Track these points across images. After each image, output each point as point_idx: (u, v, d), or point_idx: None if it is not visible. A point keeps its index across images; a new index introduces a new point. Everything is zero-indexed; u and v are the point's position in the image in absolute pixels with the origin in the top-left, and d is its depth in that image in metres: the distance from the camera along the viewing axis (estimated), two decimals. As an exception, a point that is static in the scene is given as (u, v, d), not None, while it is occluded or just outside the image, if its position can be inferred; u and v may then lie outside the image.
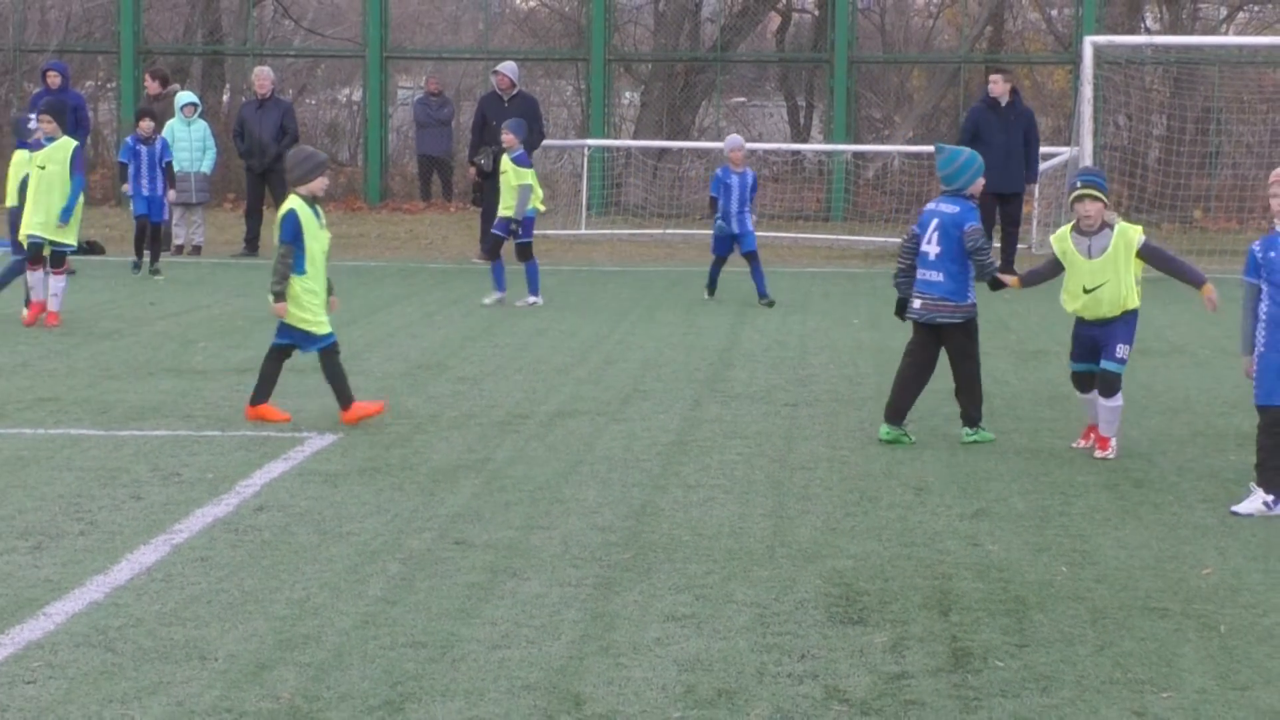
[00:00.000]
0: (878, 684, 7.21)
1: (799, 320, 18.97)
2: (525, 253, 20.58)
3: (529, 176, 20.53)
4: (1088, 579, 8.88)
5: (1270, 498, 10.33)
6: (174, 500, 10.37)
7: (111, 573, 8.76)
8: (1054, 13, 37.49)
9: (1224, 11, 36.66)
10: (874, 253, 27.81)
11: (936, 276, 12.38)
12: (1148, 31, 35.26)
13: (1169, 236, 25.96)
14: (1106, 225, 11.89)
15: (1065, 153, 28.32)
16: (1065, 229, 12.20)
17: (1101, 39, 28.14)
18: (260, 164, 25.70)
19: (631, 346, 17.26)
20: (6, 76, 34.36)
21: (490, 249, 21.15)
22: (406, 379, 15.03)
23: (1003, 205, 24.09)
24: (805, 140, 36.15)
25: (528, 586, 8.61)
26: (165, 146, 23.53)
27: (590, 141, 32.60)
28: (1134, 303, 11.95)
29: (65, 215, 17.65)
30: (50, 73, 27.95)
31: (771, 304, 20.43)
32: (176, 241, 25.84)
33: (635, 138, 34.73)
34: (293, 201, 12.94)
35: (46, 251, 17.60)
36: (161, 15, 36.74)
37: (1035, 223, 29.30)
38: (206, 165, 25.56)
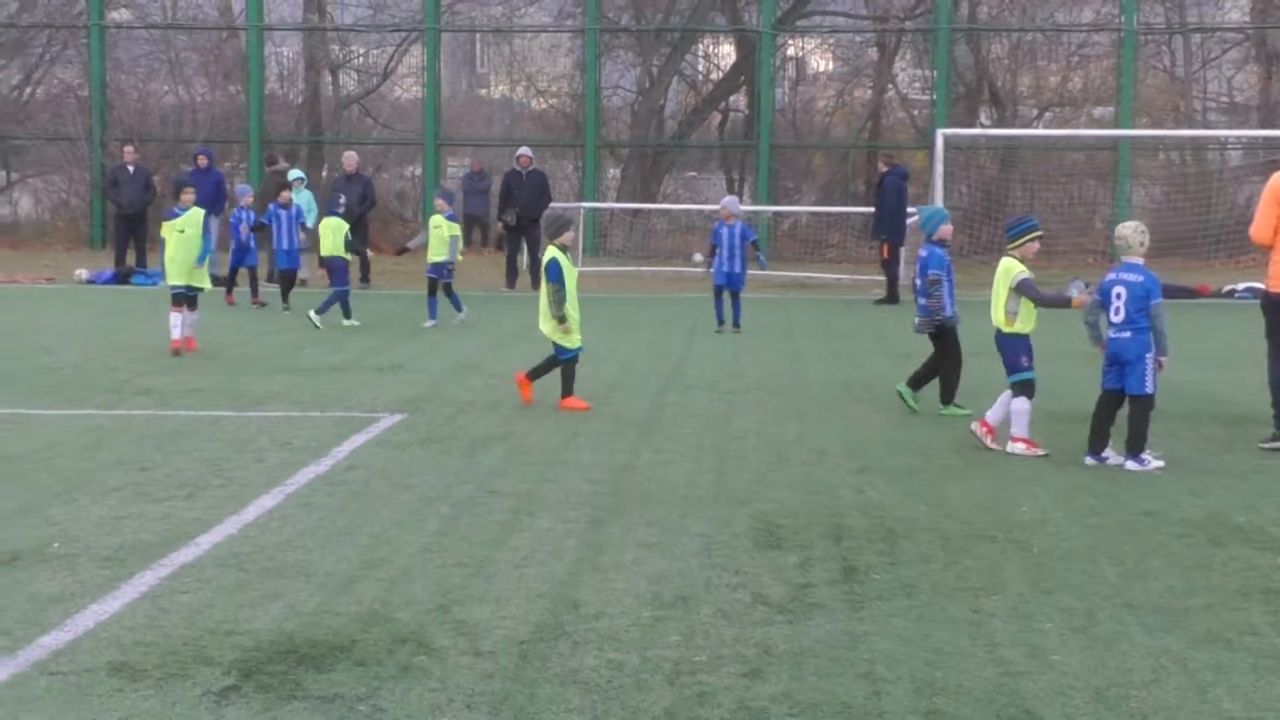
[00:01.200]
0: (790, 591, 7.22)
1: (736, 333, 18.98)
2: (449, 289, 20.09)
3: (456, 230, 20.29)
4: (940, 515, 8.89)
5: (1141, 458, 10.39)
6: (287, 462, 10.36)
7: (243, 514, 8.76)
8: (915, 112, 37.53)
9: (1036, 112, 36.71)
10: (789, 284, 27.76)
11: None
12: (982, 126, 35.30)
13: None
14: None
15: (909, 212, 28.39)
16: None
17: (949, 131, 28.17)
18: (350, 220, 25.62)
19: (615, 351, 17.25)
20: (167, 159, 34.29)
21: (429, 288, 20.14)
22: (452, 375, 15.01)
23: (887, 247, 24.49)
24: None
25: (540, 523, 8.61)
26: (300, 211, 22.61)
27: (585, 204, 32.59)
28: (1006, 326, 11.25)
29: (200, 261, 16.99)
30: (199, 156, 27.94)
31: (739, 330, 19.21)
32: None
33: (617, 201, 34.73)
34: (552, 251, 12.97)
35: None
36: (278, 115, 36.69)
37: (904, 263, 29.35)
38: (310, 221, 25.49)
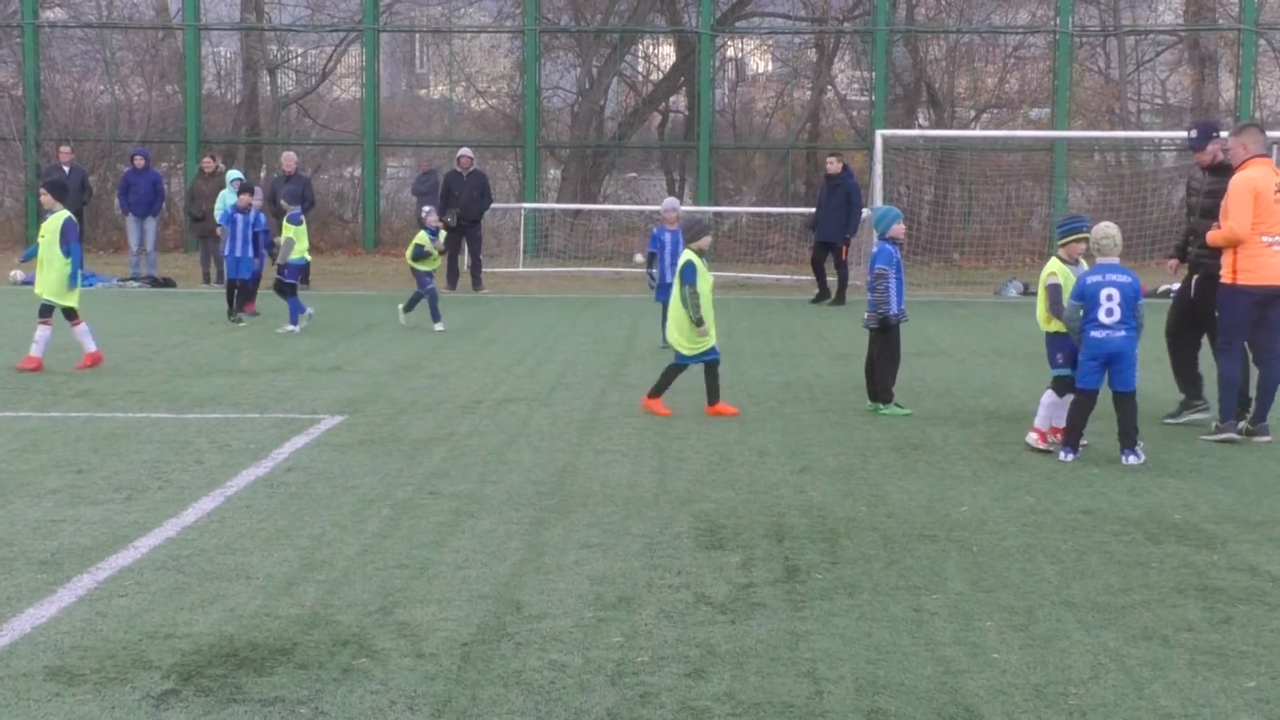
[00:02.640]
0: (732, 591, 7.23)
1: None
2: (290, 290, 19.39)
3: (293, 231, 19.76)
4: (880, 515, 8.93)
5: (1137, 450, 10.57)
6: (227, 464, 10.28)
7: (182, 516, 8.69)
8: (854, 113, 37.71)
9: (974, 113, 36.96)
10: (730, 283, 27.82)
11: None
12: (920, 127, 35.50)
13: (936, 274, 26.13)
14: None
15: (864, 213, 28.46)
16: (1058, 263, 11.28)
17: (888, 132, 28.34)
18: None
19: (556, 352, 17.23)
20: (103, 160, 34.01)
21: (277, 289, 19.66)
22: (393, 375, 14.94)
23: (831, 251, 24.13)
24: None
25: (482, 524, 8.58)
26: (260, 218, 20.36)
27: (525, 205, 32.56)
28: (1044, 325, 11.28)
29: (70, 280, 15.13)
30: (136, 156, 27.71)
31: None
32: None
33: (558, 202, 34.69)
34: (688, 254, 12.72)
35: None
36: (216, 115, 36.45)
37: (849, 258, 29.47)
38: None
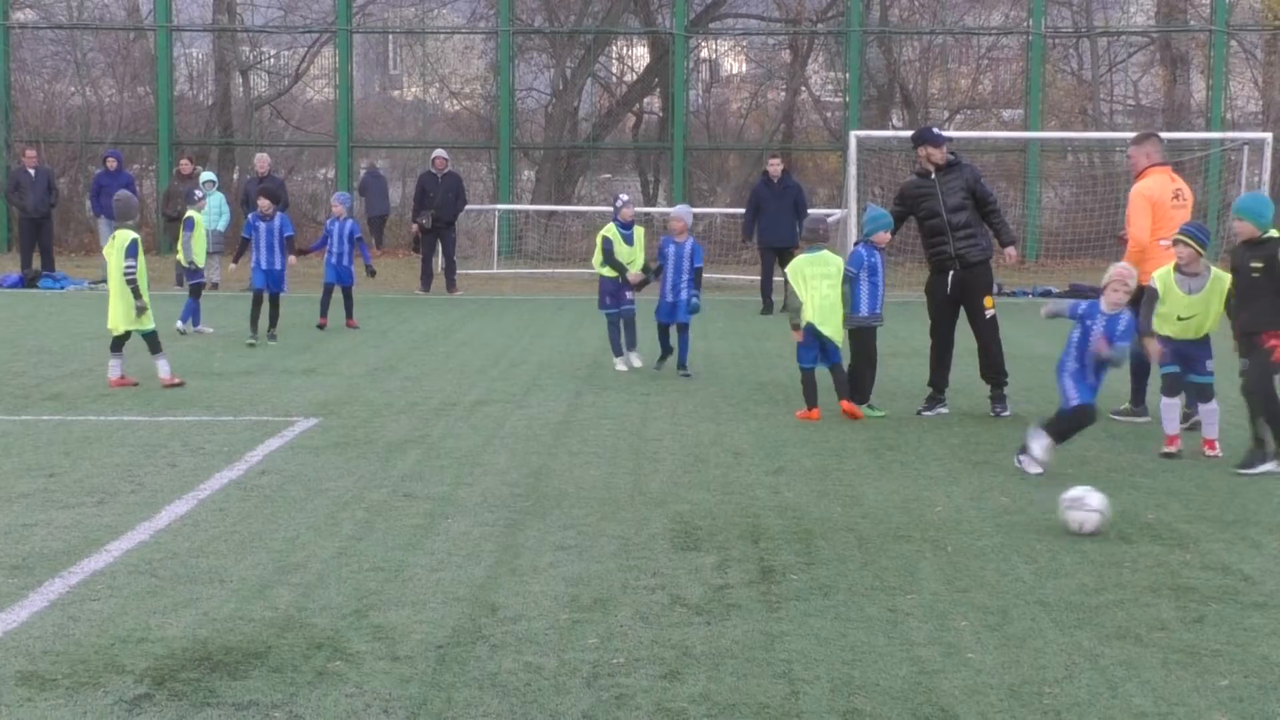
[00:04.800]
0: (708, 593, 7.23)
1: (652, 332, 18.99)
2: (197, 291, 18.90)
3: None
4: (855, 515, 8.94)
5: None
6: (200, 467, 10.25)
7: (154, 520, 8.65)
8: (828, 114, 37.80)
9: (948, 114, 37.07)
10: (704, 285, 27.79)
11: None
12: (894, 128, 35.58)
13: (910, 273, 26.17)
14: (1205, 269, 11.07)
15: (838, 213, 28.51)
16: (1169, 268, 11.11)
17: (862, 133, 28.32)
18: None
19: (531, 353, 17.22)
20: (74, 162, 33.87)
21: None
22: (368, 378, 14.92)
23: (780, 257, 22.28)
24: (654, 205, 36.17)
25: (456, 526, 8.57)
26: (285, 222, 18.41)
27: (499, 206, 32.54)
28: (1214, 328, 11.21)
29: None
30: (109, 158, 27.60)
31: (687, 375, 15.06)
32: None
33: (532, 204, 34.68)
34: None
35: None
36: (188, 117, 36.35)
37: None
38: (222, 225, 25.16)
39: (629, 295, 15.65)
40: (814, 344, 12.70)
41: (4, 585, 7.25)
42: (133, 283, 14.03)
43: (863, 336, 12.85)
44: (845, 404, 12.62)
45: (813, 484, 9.88)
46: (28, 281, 26.45)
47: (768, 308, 22.98)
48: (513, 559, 7.84)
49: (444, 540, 8.23)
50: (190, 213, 19.13)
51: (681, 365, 15.17)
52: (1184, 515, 9.04)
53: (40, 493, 9.37)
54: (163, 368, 14.10)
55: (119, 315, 14.07)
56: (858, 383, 12.81)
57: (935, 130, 13.59)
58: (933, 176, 13.06)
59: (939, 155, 13.08)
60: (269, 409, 12.86)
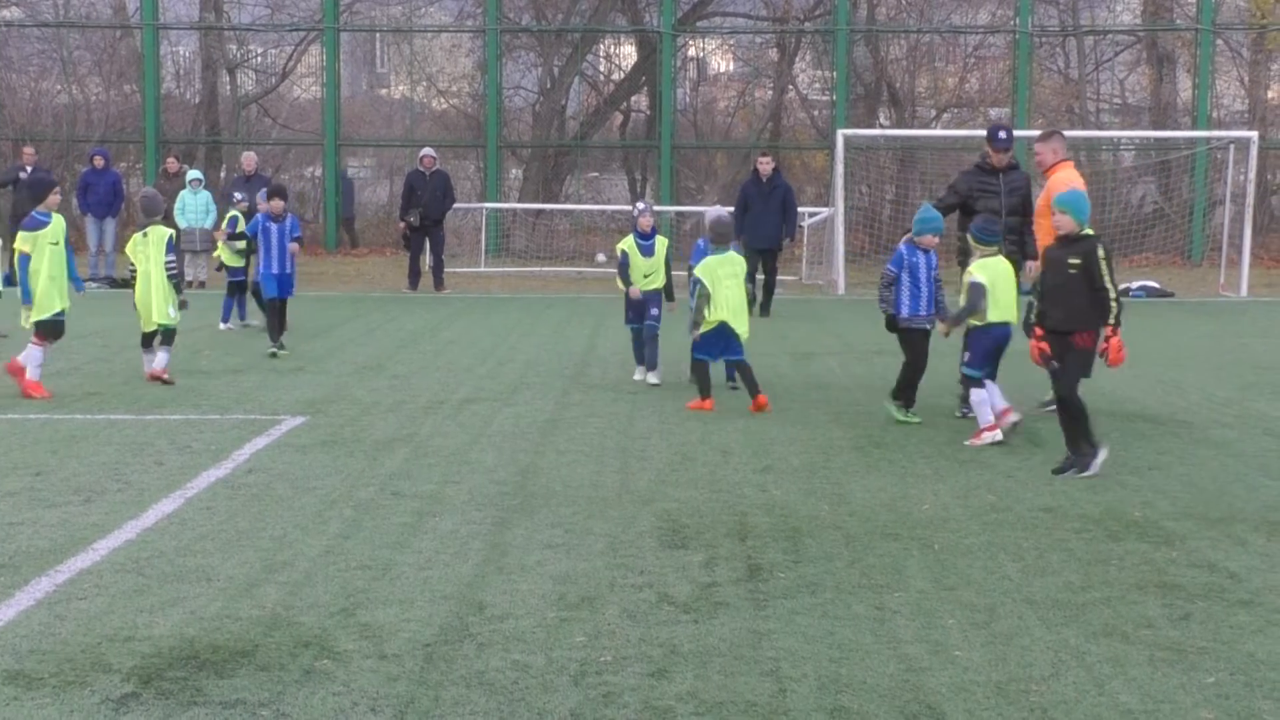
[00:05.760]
0: (695, 591, 7.23)
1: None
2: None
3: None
4: (843, 513, 8.95)
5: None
6: (187, 465, 10.23)
7: (141, 518, 8.64)
8: (815, 113, 37.83)
9: (934, 113, 37.13)
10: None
11: None
12: (881, 126, 35.64)
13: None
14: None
15: (825, 211, 28.57)
16: (986, 262, 11.68)
17: (849, 131, 28.41)
18: (248, 221, 25.31)
19: (518, 351, 17.21)
20: (61, 160, 33.78)
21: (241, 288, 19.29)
22: (355, 376, 14.90)
23: (764, 258, 22.15)
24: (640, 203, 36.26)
25: (444, 524, 8.57)
26: (295, 224, 17.47)
27: (487, 205, 32.55)
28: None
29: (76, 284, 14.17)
30: (96, 157, 27.54)
31: (737, 388, 13.60)
32: (187, 278, 25.29)
33: (519, 202, 34.68)
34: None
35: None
36: (175, 115, 36.29)
37: (805, 262, 29.53)
38: (209, 223, 25.12)
39: (654, 311, 14.58)
40: (718, 340, 12.93)
41: (-10, 584, 7.23)
42: (175, 277, 14.34)
43: (909, 339, 12.35)
44: (760, 399, 12.82)
45: (800, 482, 9.89)
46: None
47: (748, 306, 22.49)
48: (500, 557, 7.84)
49: (431, 539, 8.22)
50: (232, 211, 19.16)
51: (730, 377, 13.93)
52: (1170, 513, 9.06)
53: (27, 491, 9.34)
54: (162, 359, 14.17)
55: (161, 309, 14.24)
56: (900, 384, 12.37)
57: (1002, 133, 13.21)
58: (998, 174, 12.84)
59: (1000, 159, 12.93)
60: (256, 407, 12.84)
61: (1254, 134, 28.26)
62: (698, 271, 13.01)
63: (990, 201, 12.84)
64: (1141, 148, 36.20)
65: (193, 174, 25.41)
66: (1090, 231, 10.27)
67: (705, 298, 12.84)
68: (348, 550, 7.95)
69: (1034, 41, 34.70)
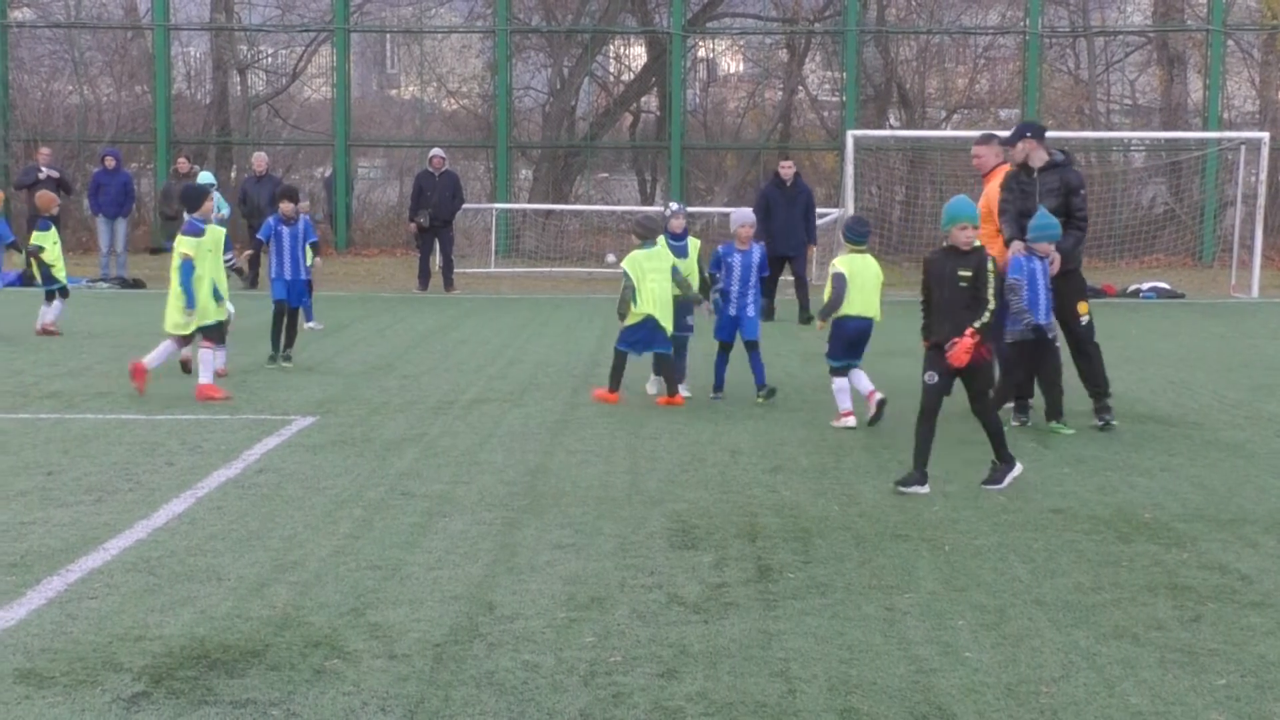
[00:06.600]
0: (705, 591, 7.23)
1: (766, 402, 18.92)
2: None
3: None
4: (853, 514, 8.94)
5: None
6: (197, 465, 10.24)
7: (152, 518, 8.65)
8: (825, 114, 37.81)
9: (944, 114, 37.09)
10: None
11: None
12: (891, 127, 35.61)
13: (908, 272, 26.18)
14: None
15: (835, 213, 28.55)
16: (853, 257, 12.26)
17: (859, 132, 28.37)
18: (258, 223, 25.32)
19: (528, 352, 17.22)
20: (73, 160, 33.83)
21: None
22: (365, 376, 14.91)
23: (791, 264, 22.02)
24: (651, 204, 36.19)
25: (454, 525, 8.57)
26: (309, 227, 16.42)
27: (497, 205, 32.54)
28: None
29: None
30: (107, 157, 27.57)
31: (772, 393, 13.56)
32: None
33: (529, 203, 34.68)
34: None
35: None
36: (186, 115, 36.34)
37: (814, 263, 29.49)
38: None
39: (688, 320, 13.91)
40: (643, 333, 13.26)
41: (2, 583, 7.24)
42: (233, 267, 14.66)
43: (1022, 349, 11.94)
44: (669, 399, 13.22)
45: (810, 483, 9.88)
46: (26, 280, 26.39)
47: (769, 313, 22.25)
48: (510, 557, 7.84)
49: (441, 539, 8.23)
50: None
51: (761, 385, 13.57)
52: (1181, 515, 9.04)
53: (38, 491, 9.36)
54: (220, 358, 14.22)
55: (210, 307, 14.00)
56: (1000, 392, 11.77)
57: (1024, 129, 12.78)
58: (1034, 174, 12.45)
59: (1025, 155, 12.48)
60: (267, 407, 12.85)
61: (1265, 135, 28.22)
62: (624, 264, 13.36)
63: (1026, 202, 12.40)
64: (1152, 149, 36.12)
65: (205, 177, 25.38)
66: (978, 243, 9.75)
67: (630, 290, 13.19)
68: (358, 550, 7.95)
69: (1044, 42, 34.65)
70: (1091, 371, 12.37)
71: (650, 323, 13.19)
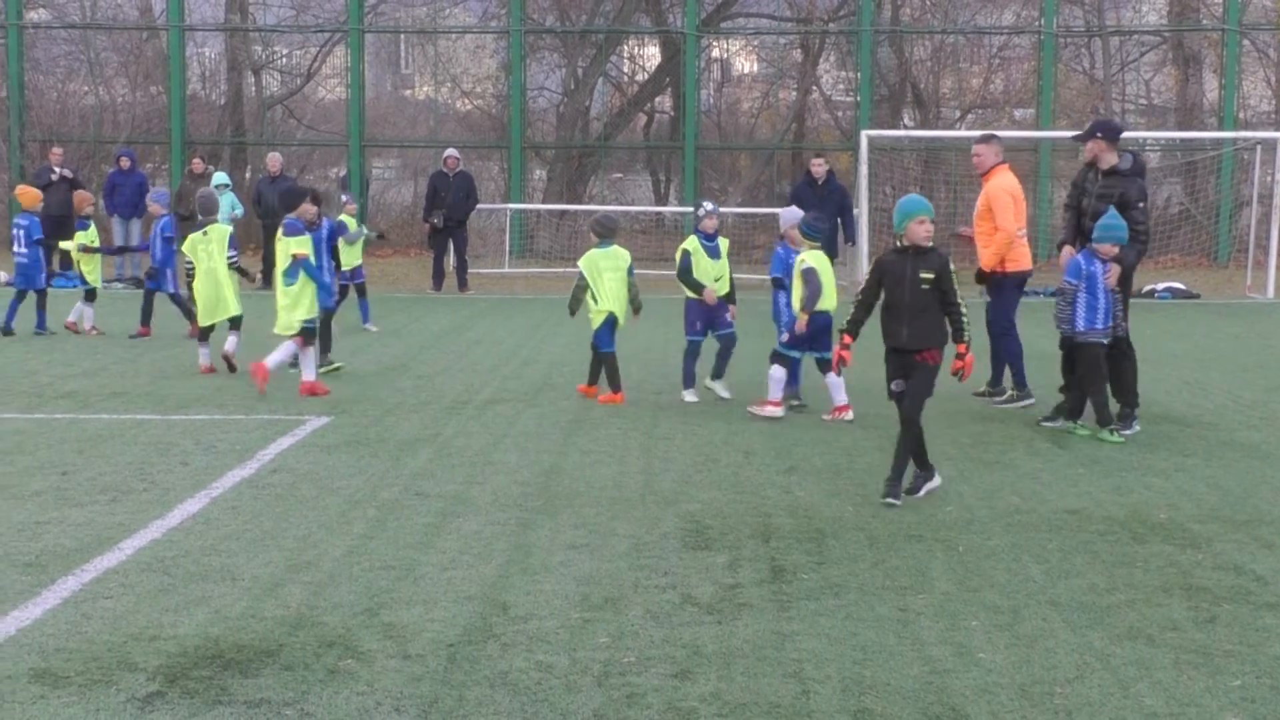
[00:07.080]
0: (719, 592, 7.23)
1: (661, 333, 18.98)
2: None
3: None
4: (866, 515, 8.94)
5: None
6: (212, 465, 10.26)
7: (167, 518, 8.67)
8: (839, 114, 37.78)
9: (959, 114, 37.02)
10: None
11: None
12: (905, 127, 35.56)
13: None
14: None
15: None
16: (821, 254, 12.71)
17: (873, 132, 28.32)
18: (273, 223, 25.35)
19: (542, 352, 17.23)
20: (88, 161, 33.91)
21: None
22: (380, 376, 14.93)
23: None
24: (665, 204, 36.20)
25: (468, 525, 8.58)
26: (331, 230, 15.38)
27: (511, 205, 32.55)
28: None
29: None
30: (122, 158, 27.62)
31: (803, 406, 13.14)
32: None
33: (543, 203, 34.69)
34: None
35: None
36: (201, 116, 36.41)
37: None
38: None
39: (729, 318, 13.78)
40: (611, 331, 13.64)
41: (17, 583, 7.26)
42: (236, 267, 15.29)
43: (1084, 353, 11.70)
44: (610, 396, 13.48)
45: (824, 483, 9.88)
46: (45, 279, 26.42)
47: None
48: (524, 558, 7.85)
49: (455, 539, 8.24)
50: (341, 216, 19.19)
51: (797, 395, 13.26)
52: (1196, 515, 9.02)
53: (53, 491, 9.39)
54: (232, 343, 15.17)
55: (232, 301, 15.19)
56: (1096, 411, 11.68)
57: (1096, 127, 12.44)
58: (1098, 174, 12.20)
59: (1093, 154, 12.21)
60: (281, 407, 12.87)
61: (1281, 135, 28.14)
62: (580, 264, 13.72)
63: (1084, 200, 12.22)
64: (1167, 148, 36.02)
65: (219, 178, 25.43)
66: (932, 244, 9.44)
67: (583, 288, 13.57)
68: (372, 550, 7.97)
69: (1059, 42, 34.58)
70: (1121, 384, 12.04)
71: (613, 320, 13.62)
